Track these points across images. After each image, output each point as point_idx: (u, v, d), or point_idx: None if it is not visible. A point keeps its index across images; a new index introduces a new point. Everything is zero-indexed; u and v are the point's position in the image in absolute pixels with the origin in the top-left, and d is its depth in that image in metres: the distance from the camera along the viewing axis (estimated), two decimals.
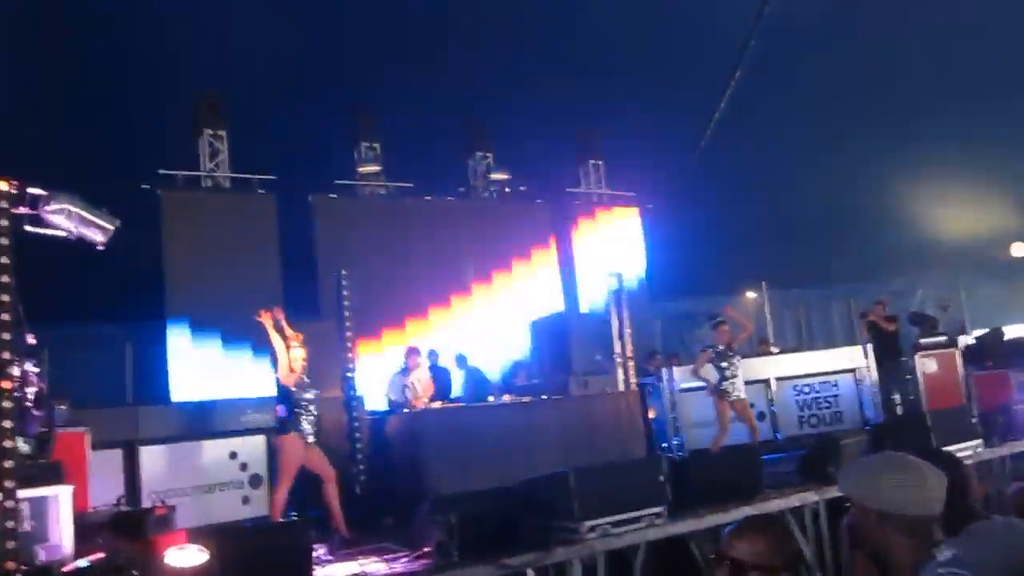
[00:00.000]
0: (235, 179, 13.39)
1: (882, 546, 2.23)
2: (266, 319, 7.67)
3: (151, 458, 8.06)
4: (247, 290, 12.73)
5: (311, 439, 7.51)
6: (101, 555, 5.52)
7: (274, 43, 13.90)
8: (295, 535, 5.89)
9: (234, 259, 12.78)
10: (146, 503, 7.54)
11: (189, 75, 13.30)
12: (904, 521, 2.20)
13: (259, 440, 8.68)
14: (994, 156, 17.02)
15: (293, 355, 7.56)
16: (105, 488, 7.33)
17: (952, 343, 13.51)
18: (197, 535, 5.52)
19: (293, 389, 7.50)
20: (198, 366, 12.24)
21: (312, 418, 7.56)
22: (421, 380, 10.15)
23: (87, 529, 5.93)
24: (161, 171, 12.70)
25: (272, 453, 8.61)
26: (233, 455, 8.54)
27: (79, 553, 5.59)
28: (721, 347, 10.47)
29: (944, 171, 17.46)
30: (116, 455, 8.06)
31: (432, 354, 11.94)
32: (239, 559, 5.31)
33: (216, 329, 12.47)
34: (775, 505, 7.06)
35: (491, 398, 10.89)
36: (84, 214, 6.42)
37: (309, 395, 7.59)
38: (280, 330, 7.71)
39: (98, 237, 6.62)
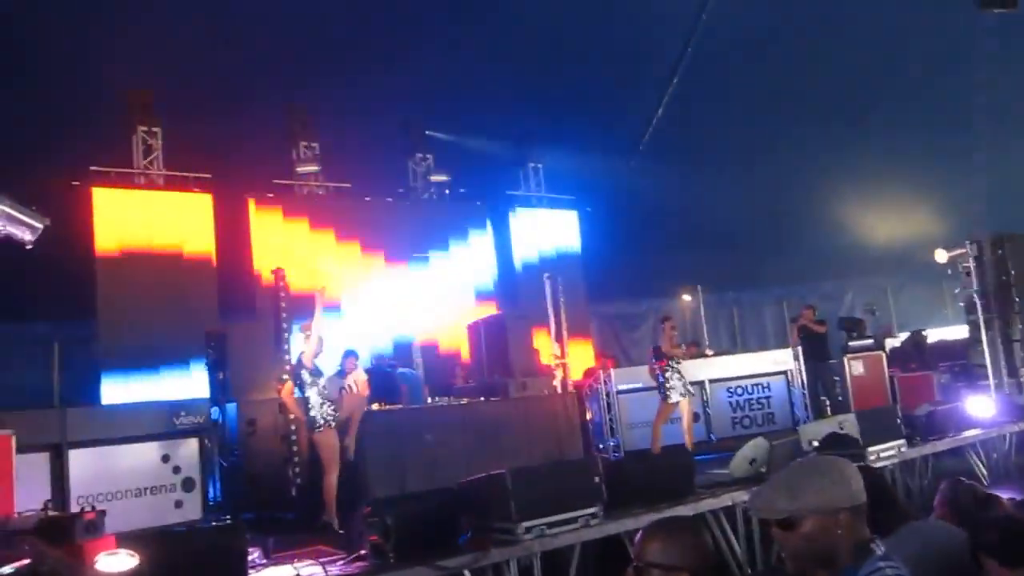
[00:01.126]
0: (170, 177, 13.15)
1: (836, 546, 2.26)
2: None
3: (80, 461, 7.86)
4: (181, 291, 12.56)
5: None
6: (26, 561, 5.38)
7: (209, 41, 13.64)
8: (229, 538, 5.82)
9: (168, 259, 12.57)
10: (74, 508, 7.36)
11: (124, 72, 13.00)
12: (863, 509, 2.27)
13: (192, 443, 8.54)
14: (918, 165, 17.57)
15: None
16: (31, 493, 7.13)
17: (879, 346, 13.94)
18: (127, 540, 5.42)
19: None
20: (130, 368, 11.98)
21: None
22: (358, 382, 10.11)
23: (12, 535, 5.77)
24: (93, 168, 12.41)
25: (205, 456, 8.54)
26: (165, 458, 8.38)
27: (3, 560, 5.44)
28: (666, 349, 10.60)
29: (872, 178, 17.97)
30: (43, 458, 7.84)
31: (379, 357, 12.02)
32: (171, 564, 5.23)
33: (149, 331, 12.23)
34: (707, 505, 7.21)
35: (430, 399, 10.90)
36: (12, 212, 6.27)
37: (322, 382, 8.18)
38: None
39: (27, 236, 6.48)
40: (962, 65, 15.58)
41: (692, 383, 11.74)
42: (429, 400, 10.93)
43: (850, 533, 2.26)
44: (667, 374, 10.44)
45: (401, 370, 12.03)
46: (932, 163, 17.56)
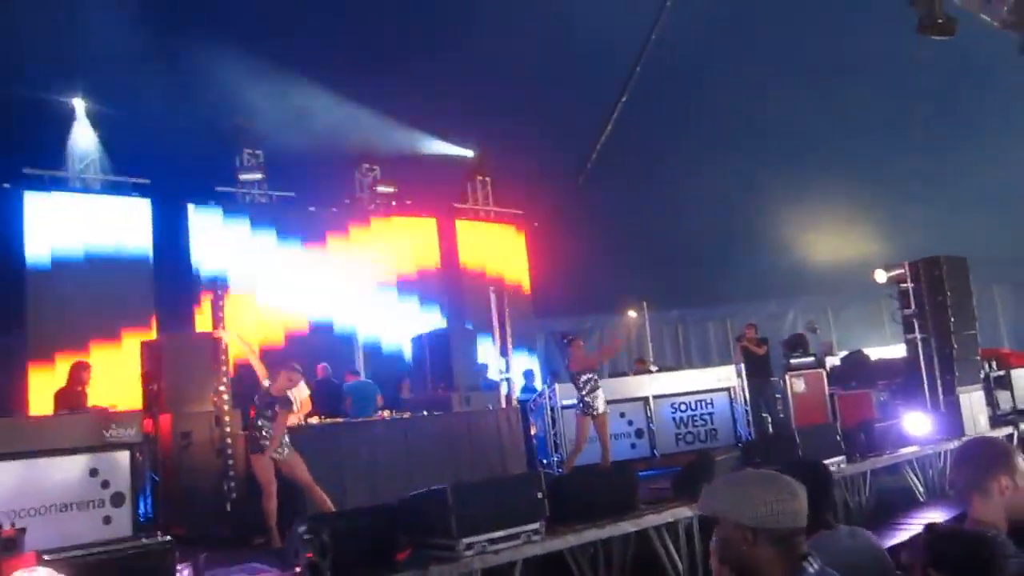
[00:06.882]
0: (107, 182, 12.80)
1: (751, 561, 2.21)
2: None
3: (1, 475, 7.51)
4: (119, 299, 12.24)
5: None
6: None
7: (149, 45, 13.31)
8: (157, 555, 5.59)
9: (106, 265, 12.25)
10: None
11: (60, 74, 12.63)
12: (775, 535, 2.20)
13: (123, 456, 8.20)
14: (860, 185, 17.94)
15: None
16: None
17: (820, 364, 14.10)
18: (50, 557, 5.17)
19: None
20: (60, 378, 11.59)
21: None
22: (300, 399, 9.88)
23: None
24: (26, 170, 12.02)
25: (136, 470, 8.23)
26: (94, 472, 8.03)
27: None
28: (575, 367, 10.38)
29: (815, 199, 18.28)
30: None
31: (325, 369, 11.90)
32: None
33: (83, 340, 11.86)
34: (649, 521, 7.17)
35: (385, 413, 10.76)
36: None
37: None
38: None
39: None
40: (903, 94, 16.00)
41: (636, 399, 11.74)
42: (384, 413, 10.72)
43: (762, 553, 2.19)
44: (583, 387, 10.23)
45: (353, 381, 11.95)
46: (872, 186, 17.94)
